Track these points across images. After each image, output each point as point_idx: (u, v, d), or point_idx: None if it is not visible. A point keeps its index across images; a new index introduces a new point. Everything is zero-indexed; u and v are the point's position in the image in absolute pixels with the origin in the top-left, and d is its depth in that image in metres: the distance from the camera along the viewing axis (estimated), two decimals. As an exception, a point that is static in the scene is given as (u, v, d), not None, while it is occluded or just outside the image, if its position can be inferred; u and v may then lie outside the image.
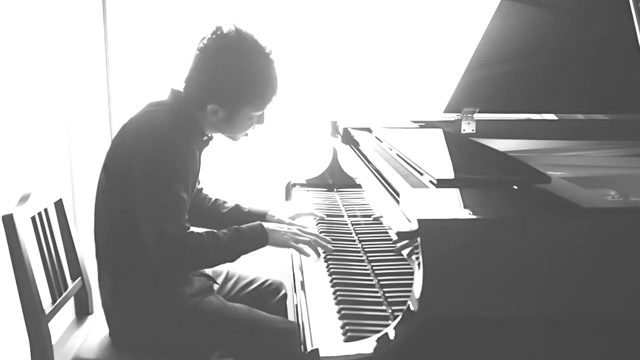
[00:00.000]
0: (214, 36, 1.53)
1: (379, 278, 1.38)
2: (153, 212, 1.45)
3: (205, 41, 1.54)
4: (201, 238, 1.49)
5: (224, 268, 1.89)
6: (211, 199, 1.88)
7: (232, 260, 1.55)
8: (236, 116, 1.57)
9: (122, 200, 1.52)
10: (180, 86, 1.59)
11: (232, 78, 1.52)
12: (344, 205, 2.07)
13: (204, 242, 1.49)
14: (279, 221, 1.76)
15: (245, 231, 1.56)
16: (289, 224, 1.73)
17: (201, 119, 1.58)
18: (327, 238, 1.62)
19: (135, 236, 1.49)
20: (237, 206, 1.86)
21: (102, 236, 1.60)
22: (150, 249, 1.46)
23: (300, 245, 1.58)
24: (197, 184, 1.71)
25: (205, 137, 1.63)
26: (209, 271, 1.78)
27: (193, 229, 1.51)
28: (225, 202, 1.87)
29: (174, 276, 1.60)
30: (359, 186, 2.03)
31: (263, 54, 1.55)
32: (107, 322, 1.62)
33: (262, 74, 1.54)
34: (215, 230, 1.53)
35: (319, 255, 1.58)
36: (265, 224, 1.58)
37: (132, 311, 1.57)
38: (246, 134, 1.67)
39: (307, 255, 1.58)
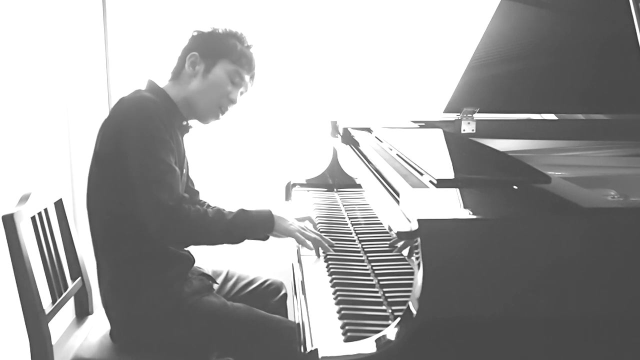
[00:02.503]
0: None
1: (379, 278, 1.38)
2: (147, 182, 1.46)
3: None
4: (203, 211, 1.50)
5: (224, 268, 1.89)
6: (211, 206, 1.87)
7: (235, 241, 1.55)
8: (213, 69, 1.64)
9: (115, 181, 1.52)
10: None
11: (211, 33, 1.68)
12: (344, 205, 2.07)
13: (206, 215, 1.50)
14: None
15: (252, 213, 1.56)
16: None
17: (178, 97, 1.64)
18: (330, 241, 1.63)
19: (132, 224, 1.49)
20: None
21: (97, 229, 1.60)
22: (147, 222, 1.46)
23: (305, 240, 1.57)
24: (185, 170, 1.71)
25: (185, 123, 1.68)
26: (208, 271, 1.78)
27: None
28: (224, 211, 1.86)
29: (173, 273, 1.60)
30: (359, 186, 2.02)
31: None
32: (108, 319, 1.62)
33: (240, 37, 1.70)
34: (220, 207, 1.54)
35: (319, 255, 1.58)
36: (274, 212, 1.59)
37: (131, 308, 1.57)
38: (218, 116, 1.69)
39: (309, 248, 1.57)
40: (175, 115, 1.64)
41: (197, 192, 1.88)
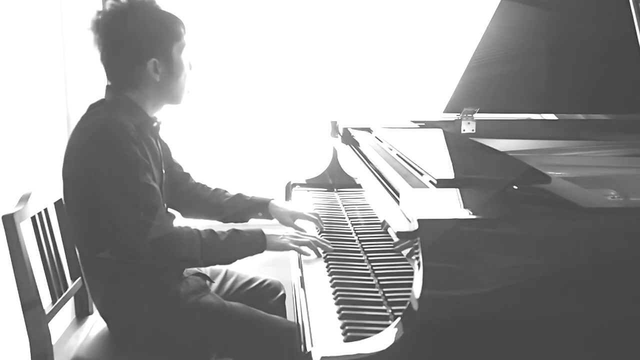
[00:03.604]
0: (100, 16, 1.55)
1: (379, 278, 1.38)
2: (127, 206, 1.43)
3: (100, 25, 1.54)
4: (196, 231, 1.49)
5: (222, 267, 1.89)
6: (210, 188, 1.87)
7: (228, 262, 1.56)
8: (172, 60, 1.56)
9: (93, 207, 1.47)
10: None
11: (145, 26, 1.53)
12: (344, 205, 2.07)
13: (199, 235, 1.49)
14: (282, 213, 1.80)
15: (244, 233, 1.56)
16: (290, 225, 1.75)
17: (143, 99, 1.57)
18: (326, 240, 1.63)
19: (119, 241, 1.46)
20: (239, 195, 1.85)
21: (84, 250, 1.58)
22: (137, 247, 1.43)
23: (300, 247, 1.58)
24: (164, 171, 1.67)
25: (155, 123, 1.63)
26: (206, 270, 1.78)
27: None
28: (226, 192, 1.86)
29: (168, 275, 1.59)
30: (359, 186, 2.03)
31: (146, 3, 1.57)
32: (107, 325, 1.61)
33: (161, 11, 1.57)
34: (213, 229, 1.54)
35: (319, 255, 1.58)
36: (265, 230, 1.59)
37: (129, 314, 1.56)
38: (188, 90, 1.64)
39: (307, 254, 1.58)
40: (144, 121, 1.58)
41: (187, 175, 1.86)
